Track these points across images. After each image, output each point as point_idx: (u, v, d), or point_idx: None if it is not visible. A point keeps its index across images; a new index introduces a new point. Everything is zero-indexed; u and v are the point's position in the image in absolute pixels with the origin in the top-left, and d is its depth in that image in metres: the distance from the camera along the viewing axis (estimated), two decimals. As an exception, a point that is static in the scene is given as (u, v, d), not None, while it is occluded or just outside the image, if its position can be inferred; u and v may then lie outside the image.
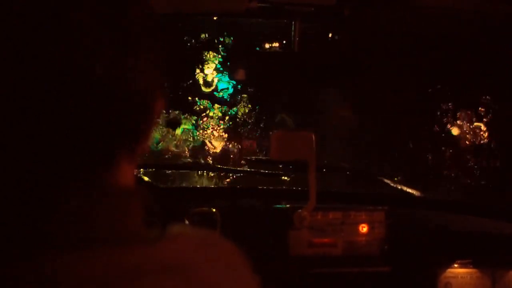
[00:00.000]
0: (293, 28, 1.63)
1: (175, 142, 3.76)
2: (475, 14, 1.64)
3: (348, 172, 2.17)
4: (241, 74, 4.08)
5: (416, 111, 3.78)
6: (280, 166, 2.00)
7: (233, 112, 4.02)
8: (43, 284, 0.48)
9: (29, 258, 0.49)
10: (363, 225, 1.61)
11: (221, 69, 4.06)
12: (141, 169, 1.91)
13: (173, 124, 3.66)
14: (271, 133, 1.53)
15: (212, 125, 3.88)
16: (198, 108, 3.95)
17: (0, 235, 0.51)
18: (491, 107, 3.59)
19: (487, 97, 3.55)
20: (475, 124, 3.64)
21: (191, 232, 0.60)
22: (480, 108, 3.61)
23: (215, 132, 3.84)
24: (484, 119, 3.62)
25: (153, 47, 0.58)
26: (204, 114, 3.94)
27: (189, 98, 4.02)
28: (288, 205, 1.62)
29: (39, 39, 0.50)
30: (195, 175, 2.84)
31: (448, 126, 3.71)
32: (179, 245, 0.55)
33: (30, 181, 0.52)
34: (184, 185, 2.54)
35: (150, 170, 2.19)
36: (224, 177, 2.85)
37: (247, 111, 4.00)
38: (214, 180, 2.97)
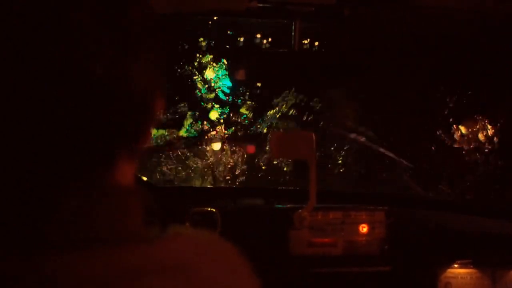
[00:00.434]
0: (293, 28, 1.63)
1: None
2: (475, 14, 1.64)
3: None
4: (241, 74, 4.08)
5: (415, 111, 3.78)
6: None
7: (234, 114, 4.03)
8: (43, 284, 0.48)
9: (29, 258, 0.49)
10: (363, 225, 1.61)
11: (222, 70, 4.06)
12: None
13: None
14: (270, 133, 1.53)
15: (213, 126, 3.88)
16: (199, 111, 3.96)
17: (0, 235, 0.51)
18: (491, 107, 3.59)
19: (487, 97, 3.55)
20: (475, 124, 3.65)
21: (191, 232, 0.60)
22: (480, 109, 3.62)
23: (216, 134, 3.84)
24: (484, 120, 3.62)
25: (153, 47, 0.57)
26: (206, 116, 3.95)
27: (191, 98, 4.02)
28: (288, 205, 1.62)
29: (39, 39, 0.50)
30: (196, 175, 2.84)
31: (448, 126, 3.71)
32: (179, 245, 0.55)
33: (30, 181, 0.52)
34: (184, 185, 2.54)
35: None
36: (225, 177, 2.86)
37: (248, 112, 4.01)
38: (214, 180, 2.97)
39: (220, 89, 4.08)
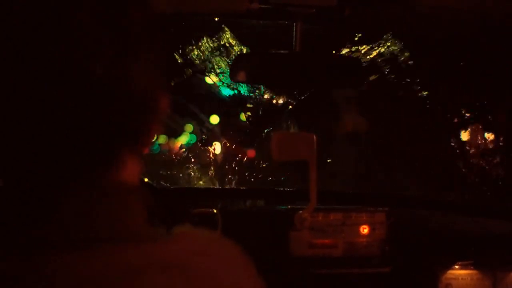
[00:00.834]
0: (294, 29, 1.63)
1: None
2: (475, 14, 1.64)
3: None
4: (242, 76, 4.06)
5: (415, 111, 3.78)
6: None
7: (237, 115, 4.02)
8: (43, 284, 0.48)
9: (29, 258, 0.49)
10: (364, 226, 1.60)
11: (223, 72, 4.06)
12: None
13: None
14: (272, 134, 1.53)
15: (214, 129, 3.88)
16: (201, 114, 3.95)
17: (0, 235, 0.51)
18: (491, 107, 3.59)
19: (486, 97, 3.55)
20: (475, 125, 3.65)
21: (195, 232, 0.59)
22: (480, 109, 3.61)
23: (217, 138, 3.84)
24: (484, 120, 3.62)
25: (153, 47, 0.57)
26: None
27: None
28: (288, 206, 1.62)
29: (39, 39, 0.50)
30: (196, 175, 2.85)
31: (448, 126, 3.71)
32: (180, 245, 0.55)
33: (30, 181, 0.52)
34: (185, 186, 2.55)
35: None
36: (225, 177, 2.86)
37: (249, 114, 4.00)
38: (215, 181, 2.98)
39: (221, 93, 4.08)
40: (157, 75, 0.58)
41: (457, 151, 3.66)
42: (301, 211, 1.53)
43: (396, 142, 3.83)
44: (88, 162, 0.53)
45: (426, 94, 3.72)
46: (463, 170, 3.65)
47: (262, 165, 3.70)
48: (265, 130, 3.94)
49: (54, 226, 0.51)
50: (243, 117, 4.00)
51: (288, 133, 1.58)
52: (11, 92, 0.50)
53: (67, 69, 0.50)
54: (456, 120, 3.67)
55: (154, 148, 3.91)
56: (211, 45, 3.96)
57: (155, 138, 0.62)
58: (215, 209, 1.55)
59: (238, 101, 4.02)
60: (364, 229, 1.60)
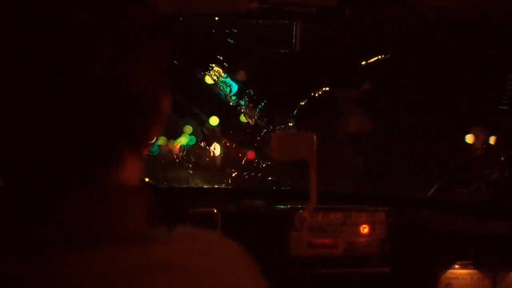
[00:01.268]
0: (294, 29, 1.63)
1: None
2: (475, 14, 1.64)
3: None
4: (241, 75, 4.07)
5: (415, 111, 3.78)
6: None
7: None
8: (43, 284, 0.48)
9: (29, 258, 0.49)
10: (364, 225, 1.60)
11: (224, 72, 4.05)
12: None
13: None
14: (272, 133, 1.53)
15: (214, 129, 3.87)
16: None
17: (0, 235, 0.51)
18: (491, 107, 3.59)
19: (486, 97, 3.55)
20: (476, 125, 3.64)
21: (196, 232, 0.59)
22: (480, 109, 3.61)
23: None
24: (485, 120, 3.62)
25: (153, 47, 0.57)
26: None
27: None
28: (288, 206, 1.62)
29: (39, 39, 0.50)
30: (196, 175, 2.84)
31: (448, 126, 3.71)
32: (181, 245, 0.54)
33: (30, 181, 0.52)
34: (184, 185, 2.55)
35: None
36: (225, 177, 2.86)
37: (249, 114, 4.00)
38: (215, 180, 2.97)
39: (220, 93, 4.08)
40: (157, 75, 0.58)
41: (458, 151, 3.66)
42: (301, 211, 1.53)
43: (396, 142, 3.84)
44: (88, 162, 0.53)
45: (426, 94, 3.72)
46: (464, 170, 3.65)
47: (262, 165, 3.71)
48: (264, 130, 3.95)
49: (54, 226, 0.51)
50: (243, 118, 4.00)
51: (288, 133, 1.59)
52: (11, 92, 0.50)
53: (67, 69, 0.50)
54: (456, 120, 3.67)
55: (153, 149, 3.91)
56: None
57: (155, 138, 0.62)
58: (215, 208, 1.55)
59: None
60: (364, 229, 1.60)
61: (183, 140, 3.95)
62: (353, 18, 1.57)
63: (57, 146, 0.51)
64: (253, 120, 3.91)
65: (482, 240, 1.70)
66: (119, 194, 0.55)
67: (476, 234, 1.72)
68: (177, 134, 3.97)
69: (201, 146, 3.82)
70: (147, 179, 1.63)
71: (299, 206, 1.55)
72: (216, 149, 3.80)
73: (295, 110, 4.04)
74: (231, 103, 4.06)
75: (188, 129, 3.96)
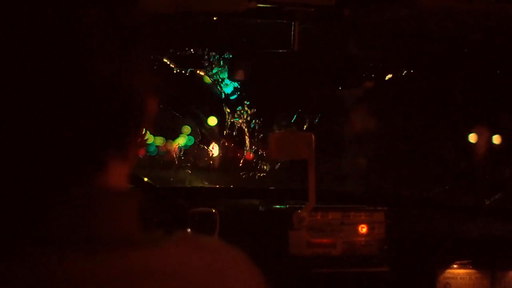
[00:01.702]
0: (293, 29, 1.63)
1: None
2: (478, 15, 1.64)
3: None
4: (240, 75, 4.06)
5: (415, 110, 3.78)
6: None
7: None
8: (41, 284, 0.48)
9: (28, 258, 0.49)
10: (363, 225, 1.61)
11: (224, 72, 4.04)
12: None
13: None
14: (270, 133, 1.53)
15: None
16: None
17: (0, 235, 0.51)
18: (492, 108, 3.59)
19: (486, 97, 3.55)
20: (476, 125, 3.65)
21: (194, 238, 0.58)
22: (481, 109, 3.62)
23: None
24: (485, 120, 3.62)
25: (150, 48, 0.57)
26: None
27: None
28: (287, 205, 1.62)
29: (38, 39, 0.50)
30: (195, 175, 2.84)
31: (449, 126, 3.71)
32: (179, 251, 0.54)
33: (27, 182, 0.52)
34: (183, 185, 2.54)
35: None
36: (223, 177, 2.85)
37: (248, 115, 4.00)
38: (213, 180, 2.97)
39: (219, 93, 4.07)
40: (143, 77, 0.56)
41: (460, 151, 3.67)
42: (299, 210, 1.53)
43: (397, 142, 3.84)
44: (75, 165, 0.52)
45: (426, 94, 3.73)
46: (464, 170, 3.65)
47: (260, 165, 3.71)
48: (262, 131, 3.95)
49: (51, 226, 0.51)
50: (241, 118, 4.00)
51: (287, 133, 1.59)
52: (8, 93, 0.50)
53: (63, 70, 0.50)
54: (457, 120, 3.67)
55: (152, 150, 3.91)
56: None
57: (145, 140, 0.61)
58: (213, 208, 1.55)
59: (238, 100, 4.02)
60: (363, 229, 1.60)
61: (181, 141, 3.95)
62: (353, 18, 1.57)
63: (45, 149, 0.50)
64: (252, 120, 3.92)
65: (481, 240, 1.70)
66: (109, 197, 0.54)
67: (475, 234, 1.72)
68: (176, 134, 3.97)
69: (199, 146, 3.82)
70: (146, 179, 1.63)
71: (298, 205, 1.55)
72: (214, 149, 3.80)
73: (294, 110, 4.04)
74: (229, 103, 4.06)
75: (187, 129, 3.96)
